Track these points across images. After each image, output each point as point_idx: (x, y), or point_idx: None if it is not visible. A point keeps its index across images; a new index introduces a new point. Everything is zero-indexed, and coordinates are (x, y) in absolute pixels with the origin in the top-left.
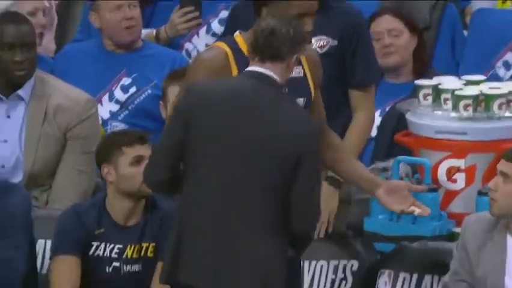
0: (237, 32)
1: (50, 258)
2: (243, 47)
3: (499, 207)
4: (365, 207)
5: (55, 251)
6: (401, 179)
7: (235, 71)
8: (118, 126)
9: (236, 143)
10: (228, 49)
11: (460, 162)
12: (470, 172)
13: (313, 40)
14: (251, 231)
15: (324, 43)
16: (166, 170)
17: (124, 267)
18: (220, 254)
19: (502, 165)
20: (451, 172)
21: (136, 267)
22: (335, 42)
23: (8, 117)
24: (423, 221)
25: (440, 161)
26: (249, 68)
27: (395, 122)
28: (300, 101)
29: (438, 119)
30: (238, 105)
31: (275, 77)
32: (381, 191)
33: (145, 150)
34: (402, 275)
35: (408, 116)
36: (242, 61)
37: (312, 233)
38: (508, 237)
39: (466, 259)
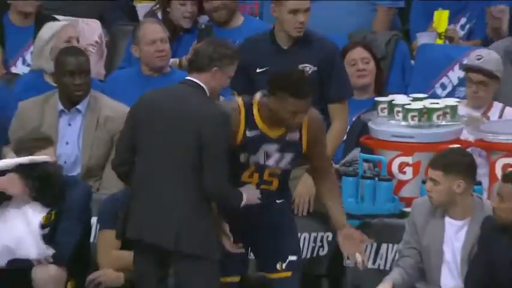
0: (258, 93)
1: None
2: (255, 109)
3: (435, 201)
4: None
5: (100, 227)
6: (365, 172)
7: (242, 126)
8: None
9: (163, 125)
10: (242, 107)
11: (409, 159)
12: (416, 166)
13: (299, 67)
14: (173, 190)
15: (308, 69)
16: (124, 152)
17: None
18: (147, 209)
19: (430, 172)
20: (401, 166)
21: None
22: (315, 68)
23: (70, 125)
24: (381, 203)
25: (394, 158)
26: (185, 78)
27: (360, 129)
28: (290, 155)
29: (392, 126)
30: (166, 100)
31: (199, 82)
32: (340, 234)
33: None
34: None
35: (370, 124)
36: (250, 119)
37: (224, 197)
38: (446, 217)
39: (415, 232)
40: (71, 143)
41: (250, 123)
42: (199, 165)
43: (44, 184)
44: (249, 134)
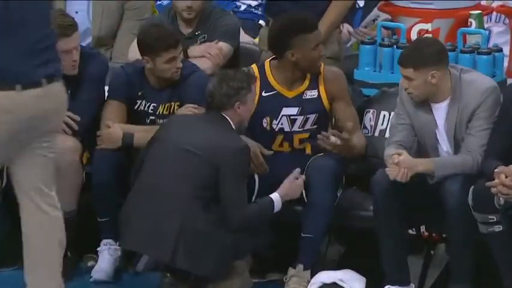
0: (267, 60)
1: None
2: (268, 72)
3: (415, 96)
4: (354, 61)
5: (107, 97)
6: (383, 39)
7: (258, 87)
8: None
9: (178, 148)
10: (256, 69)
11: (428, 26)
12: (435, 33)
13: None
14: (175, 204)
15: None
16: None
17: (158, 120)
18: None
19: (401, 70)
20: (420, 33)
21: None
22: None
23: None
24: (400, 72)
25: (413, 25)
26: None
27: None
28: (313, 115)
29: None
30: (187, 127)
31: (223, 115)
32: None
33: (177, 52)
34: (383, 113)
35: None
36: (264, 82)
37: (254, 223)
38: (431, 103)
39: (405, 112)
40: (80, 12)
41: (265, 83)
42: (209, 189)
43: None
44: (265, 94)
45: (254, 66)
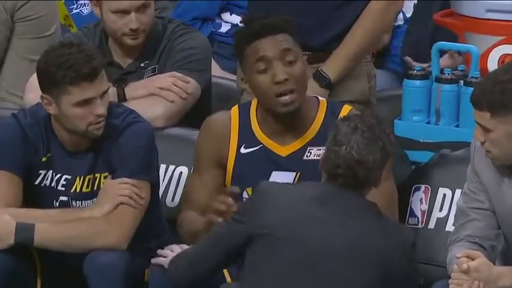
0: (256, 99)
1: None
2: (253, 117)
3: (495, 158)
4: (394, 107)
5: None
6: (442, 71)
7: (234, 140)
8: (87, 5)
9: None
10: (235, 113)
11: None
12: None
13: None
14: None
15: None
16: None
17: (73, 202)
18: None
19: (475, 114)
20: (504, 61)
21: (86, 204)
22: None
23: None
24: (470, 123)
25: (492, 48)
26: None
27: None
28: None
29: None
30: (322, 217)
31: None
32: None
33: (98, 88)
34: (442, 190)
35: None
36: (245, 132)
37: None
38: None
39: (481, 188)
40: None
41: (246, 134)
42: None
43: None
44: (244, 150)
45: (234, 109)
